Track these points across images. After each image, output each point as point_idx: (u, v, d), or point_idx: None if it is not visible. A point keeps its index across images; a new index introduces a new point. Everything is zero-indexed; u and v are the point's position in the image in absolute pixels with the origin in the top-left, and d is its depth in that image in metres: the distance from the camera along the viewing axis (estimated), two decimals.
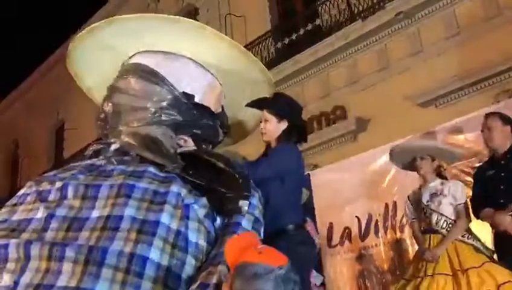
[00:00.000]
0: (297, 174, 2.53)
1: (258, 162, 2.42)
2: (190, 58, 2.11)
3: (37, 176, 1.97)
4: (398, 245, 5.78)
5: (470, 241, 3.78)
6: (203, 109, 2.10)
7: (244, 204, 1.76)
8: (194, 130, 2.04)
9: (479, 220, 3.82)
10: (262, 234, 1.93)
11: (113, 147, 1.97)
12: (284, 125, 2.54)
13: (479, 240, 3.82)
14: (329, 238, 6.43)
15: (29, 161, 18.84)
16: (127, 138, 1.92)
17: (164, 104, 1.98)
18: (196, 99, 2.08)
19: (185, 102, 2.03)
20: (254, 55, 8.78)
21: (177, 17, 2.03)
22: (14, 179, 20.05)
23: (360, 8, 9.02)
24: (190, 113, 2.05)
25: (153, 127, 1.94)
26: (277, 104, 2.57)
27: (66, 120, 17.90)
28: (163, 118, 1.97)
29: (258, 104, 2.51)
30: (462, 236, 3.79)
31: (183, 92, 2.03)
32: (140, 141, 1.90)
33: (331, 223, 6.45)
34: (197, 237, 1.68)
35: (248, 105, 2.42)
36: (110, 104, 2.04)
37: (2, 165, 20.99)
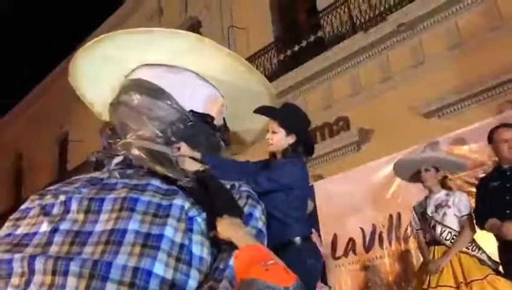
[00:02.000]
0: (302, 187, 2.51)
1: (259, 173, 2.38)
2: (192, 71, 2.12)
3: (41, 189, 1.98)
4: (403, 257, 5.75)
5: (475, 253, 3.75)
6: (206, 122, 2.11)
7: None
8: (198, 144, 2.04)
9: (484, 232, 3.80)
10: (265, 246, 1.93)
11: (116, 159, 1.98)
12: (291, 139, 2.51)
13: (484, 252, 3.79)
14: (334, 249, 6.41)
15: (33, 174, 18.87)
16: (137, 151, 1.93)
17: (167, 119, 2.00)
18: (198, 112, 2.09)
19: (187, 116, 2.04)
20: (257, 66, 8.77)
21: (179, 30, 2.04)
22: (18, 191, 20.07)
23: (362, 20, 9.06)
24: (193, 127, 2.06)
25: (158, 142, 1.96)
26: (288, 117, 2.52)
27: (70, 132, 17.95)
28: (168, 132, 1.98)
29: (268, 112, 2.47)
30: (467, 248, 3.77)
31: (186, 106, 2.04)
32: (151, 155, 1.91)
33: (335, 235, 6.43)
34: (200, 250, 1.67)
35: (257, 111, 2.38)
36: (115, 117, 2.05)
37: (6, 178, 21.02)
